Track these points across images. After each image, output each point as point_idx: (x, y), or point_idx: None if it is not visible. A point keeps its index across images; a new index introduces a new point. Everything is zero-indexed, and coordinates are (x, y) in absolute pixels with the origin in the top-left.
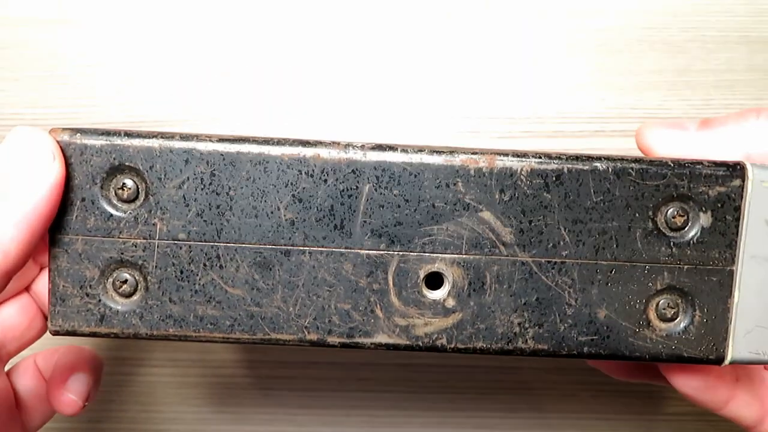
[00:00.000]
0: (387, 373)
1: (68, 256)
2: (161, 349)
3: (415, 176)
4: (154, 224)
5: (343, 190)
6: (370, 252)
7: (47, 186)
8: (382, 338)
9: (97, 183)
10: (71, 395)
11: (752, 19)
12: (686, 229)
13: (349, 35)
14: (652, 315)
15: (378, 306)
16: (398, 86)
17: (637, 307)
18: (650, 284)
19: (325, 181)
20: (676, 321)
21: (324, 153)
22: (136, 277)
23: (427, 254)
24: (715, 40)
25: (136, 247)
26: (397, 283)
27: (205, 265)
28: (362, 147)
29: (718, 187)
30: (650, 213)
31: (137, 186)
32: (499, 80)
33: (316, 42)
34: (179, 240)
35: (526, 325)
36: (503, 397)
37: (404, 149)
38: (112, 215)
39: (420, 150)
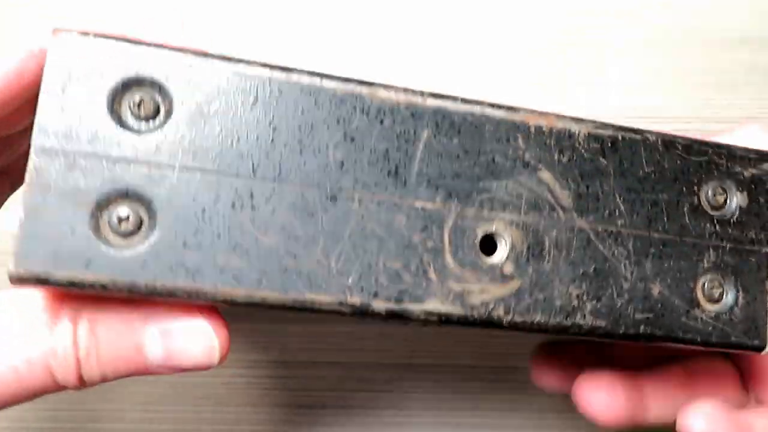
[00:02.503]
0: (387, 373)
1: (53, 175)
2: None
3: (476, 127)
4: (174, 150)
5: (399, 133)
6: (426, 204)
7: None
8: (434, 305)
9: (105, 93)
10: None
11: (752, 19)
12: (726, 207)
13: (347, 36)
14: (700, 294)
15: (432, 267)
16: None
17: (687, 284)
18: (698, 261)
19: (382, 121)
20: (722, 302)
21: (381, 92)
22: (141, 214)
23: (485, 211)
24: (715, 40)
25: (147, 176)
26: (453, 242)
27: (234, 204)
28: (421, 93)
29: (751, 168)
30: (695, 188)
31: (157, 103)
32: (498, 80)
33: (314, 44)
34: (205, 170)
35: (584, 298)
36: (503, 397)
37: (464, 100)
38: (121, 133)
39: (479, 102)
